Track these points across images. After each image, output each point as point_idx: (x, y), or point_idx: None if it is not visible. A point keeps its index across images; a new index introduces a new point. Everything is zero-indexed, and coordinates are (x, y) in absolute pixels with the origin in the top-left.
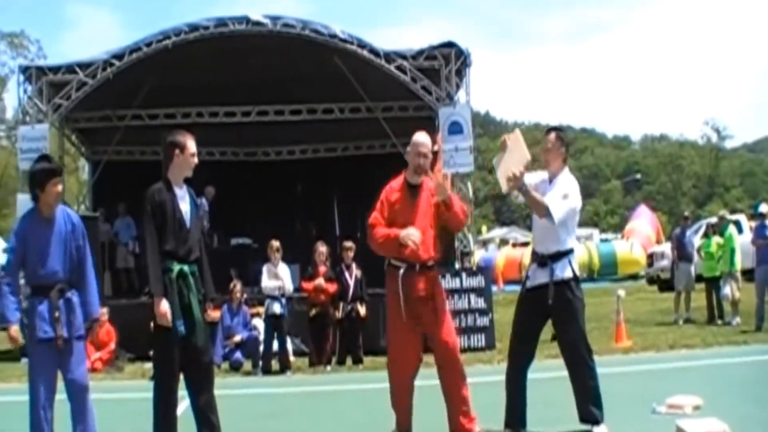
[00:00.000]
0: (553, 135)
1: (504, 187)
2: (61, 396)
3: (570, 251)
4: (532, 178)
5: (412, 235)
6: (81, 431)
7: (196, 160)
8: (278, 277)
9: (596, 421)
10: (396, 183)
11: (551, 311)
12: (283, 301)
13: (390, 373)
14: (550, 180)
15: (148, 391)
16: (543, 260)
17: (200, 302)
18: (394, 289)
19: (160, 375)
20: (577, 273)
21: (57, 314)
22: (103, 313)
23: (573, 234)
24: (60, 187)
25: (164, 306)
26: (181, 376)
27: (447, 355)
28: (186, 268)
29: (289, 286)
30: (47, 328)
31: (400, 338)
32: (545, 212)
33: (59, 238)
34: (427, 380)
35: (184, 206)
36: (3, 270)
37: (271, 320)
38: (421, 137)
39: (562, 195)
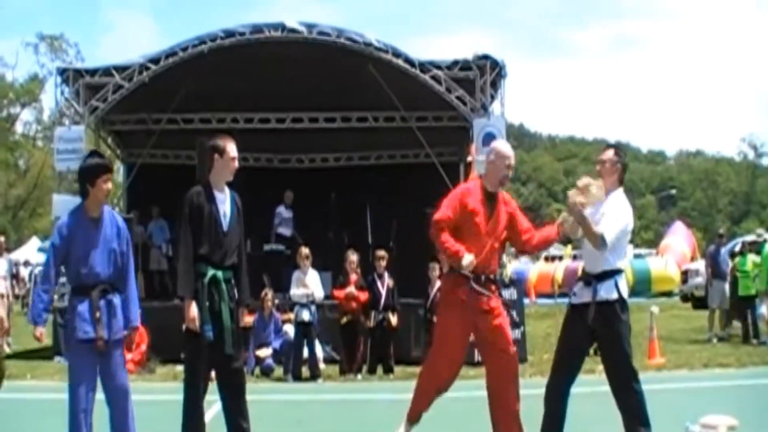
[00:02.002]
0: (610, 152)
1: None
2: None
3: (617, 272)
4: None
5: (471, 264)
6: None
7: (236, 164)
8: (306, 284)
9: None
10: (473, 187)
11: (595, 331)
12: (312, 308)
13: (432, 375)
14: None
15: (179, 394)
16: (588, 279)
17: (232, 310)
18: (460, 297)
19: (188, 378)
20: (625, 295)
21: (98, 315)
22: None
23: (622, 255)
24: (110, 185)
25: (194, 310)
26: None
27: (509, 365)
28: (219, 273)
29: (319, 294)
30: (87, 328)
31: (452, 346)
32: (600, 242)
33: (104, 239)
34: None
35: (224, 211)
36: (43, 267)
37: (300, 327)
38: (509, 149)
39: (614, 217)
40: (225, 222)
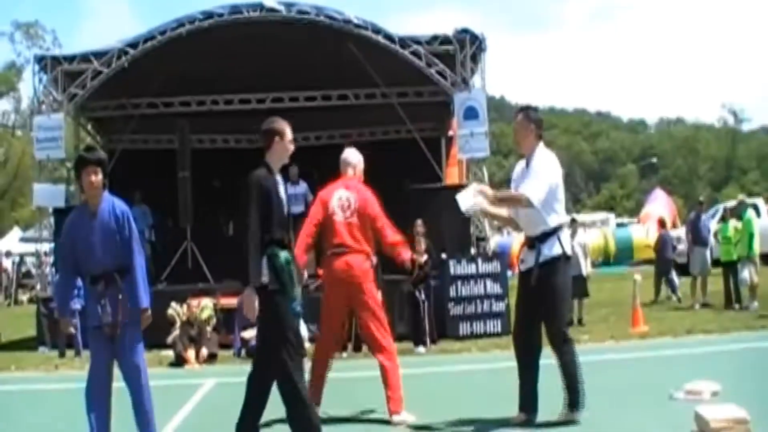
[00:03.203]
0: (520, 115)
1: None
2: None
3: (558, 229)
4: (515, 174)
5: None
6: (141, 413)
7: (293, 146)
8: None
9: (572, 406)
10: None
11: (537, 292)
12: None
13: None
14: (527, 162)
15: (169, 379)
16: (531, 243)
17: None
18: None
19: (294, 358)
20: (568, 251)
21: (103, 302)
22: None
23: (559, 211)
24: (94, 177)
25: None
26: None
27: None
28: (289, 255)
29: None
30: (97, 316)
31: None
32: (528, 203)
33: (103, 230)
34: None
35: (283, 193)
36: (54, 263)
37: None
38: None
39: (535, 176)
40: (285, 204)
